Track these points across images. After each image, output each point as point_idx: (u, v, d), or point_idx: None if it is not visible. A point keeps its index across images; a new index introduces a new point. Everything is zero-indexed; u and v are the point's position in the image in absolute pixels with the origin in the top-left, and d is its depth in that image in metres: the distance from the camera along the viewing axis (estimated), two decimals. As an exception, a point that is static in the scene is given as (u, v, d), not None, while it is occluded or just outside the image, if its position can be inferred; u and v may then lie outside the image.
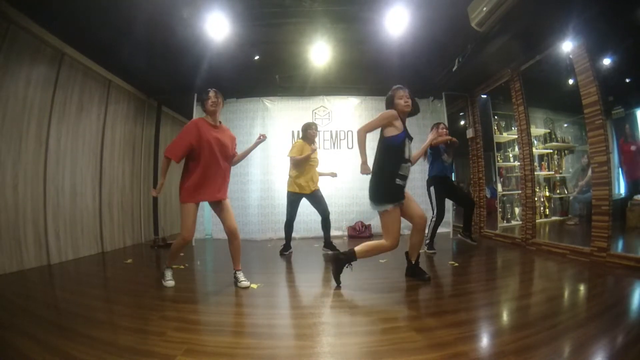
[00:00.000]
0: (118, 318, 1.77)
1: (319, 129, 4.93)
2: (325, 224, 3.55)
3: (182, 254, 3.45)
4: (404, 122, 2.30)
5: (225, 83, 4.67)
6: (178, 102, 5.39)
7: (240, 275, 2.39)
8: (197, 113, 4.86)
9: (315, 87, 4.93)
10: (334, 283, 2.29)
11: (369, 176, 2.30)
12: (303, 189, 3.46)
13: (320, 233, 3.68)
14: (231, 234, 2.36)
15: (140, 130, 4.88)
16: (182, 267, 3.02)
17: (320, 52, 3.89)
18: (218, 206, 2.38)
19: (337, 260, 2.31)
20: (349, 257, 2.29)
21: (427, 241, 3.47)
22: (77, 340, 1.45)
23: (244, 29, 3.37)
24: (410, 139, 2.32)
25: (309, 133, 3.52)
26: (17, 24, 2.81)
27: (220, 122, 2.40)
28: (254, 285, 2.35)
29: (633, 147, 4.16)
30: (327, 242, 3.61)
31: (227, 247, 2.40)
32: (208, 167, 2.27)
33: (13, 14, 2.75)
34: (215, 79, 4.34)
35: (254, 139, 2.58)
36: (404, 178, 2.26)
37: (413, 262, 2.45)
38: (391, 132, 2.23)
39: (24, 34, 2.91)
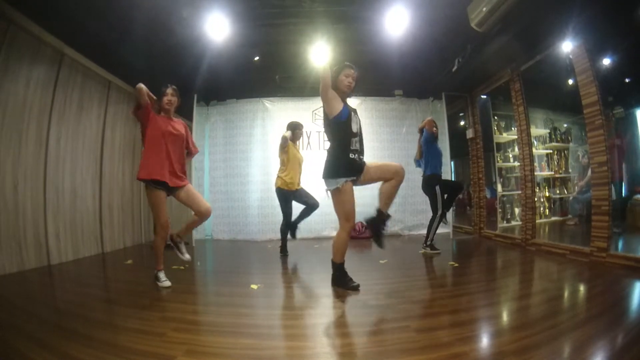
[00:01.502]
0: (118, 318, 1.77)
1: (318, 130, 4.97)
2: (309, 212, 3.51)
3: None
4: (344, 101, 2.28)
5: (225, 83, 4.67)
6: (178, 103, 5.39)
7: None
8: (197, 113, 4.87)
9: (315, 88, 4.87)
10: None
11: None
12: (288, 185, 3.48)
13: (321, 234, 3.66)
14: None
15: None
16: (182, 267, 3.02)
17: (320, 52, 3.88)
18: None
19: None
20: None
21: (429, 242, 3.47)
22: (77, 341, 1.45)
23: (244, 29, 3.36)
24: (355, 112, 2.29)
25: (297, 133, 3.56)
26: (17, 24, 2.81)
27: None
28: (254, 286, 2.35)
29: (618, 141, 3.77)
30: (294, 225, 3.53)
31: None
32: None
33: (13, 14, 2.74)
34: (215, 79, 4.35)
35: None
36: (357, 152, 2.21)
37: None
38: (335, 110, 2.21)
39: (24, 34, 2.90)
